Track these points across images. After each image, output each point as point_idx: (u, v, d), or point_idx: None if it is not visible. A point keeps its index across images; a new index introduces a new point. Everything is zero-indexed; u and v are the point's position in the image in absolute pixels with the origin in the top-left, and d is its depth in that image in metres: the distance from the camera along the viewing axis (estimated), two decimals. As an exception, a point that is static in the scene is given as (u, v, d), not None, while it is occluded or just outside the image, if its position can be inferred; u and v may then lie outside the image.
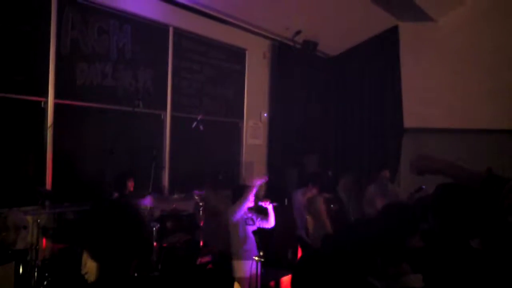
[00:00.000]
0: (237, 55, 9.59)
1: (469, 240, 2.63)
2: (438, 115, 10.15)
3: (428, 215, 2.80)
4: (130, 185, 6.58)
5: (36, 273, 5.45)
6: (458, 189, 2.62)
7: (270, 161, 10.32)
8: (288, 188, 9.17)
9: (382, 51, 10.87)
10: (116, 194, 6.35)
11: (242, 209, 6.05)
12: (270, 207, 6.45)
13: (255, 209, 6.41)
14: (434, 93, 10.21)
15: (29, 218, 5.73)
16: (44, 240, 5.91)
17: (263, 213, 6.49)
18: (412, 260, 2.54)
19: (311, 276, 2.21)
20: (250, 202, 6.17)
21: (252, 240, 6.34)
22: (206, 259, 6.89)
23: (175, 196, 7.94)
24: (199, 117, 7.79)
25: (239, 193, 6.37)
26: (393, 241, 2.53)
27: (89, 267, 4.70)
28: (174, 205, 7.53)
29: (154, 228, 6.20)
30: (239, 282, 6.18)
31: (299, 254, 8.17)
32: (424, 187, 7.29)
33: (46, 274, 5.54)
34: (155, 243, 6.22)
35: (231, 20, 8.78)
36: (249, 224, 6.34)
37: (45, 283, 5.45)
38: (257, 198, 6.48)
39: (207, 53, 8.84)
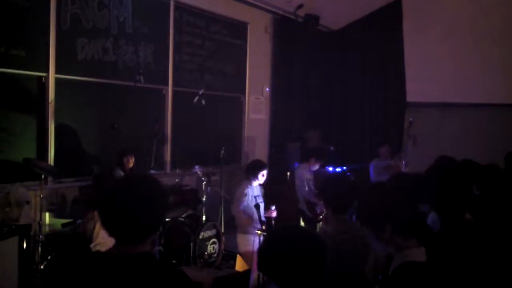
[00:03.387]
0: (239, 29, 9.51)
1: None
2: (440, 89, 10.10)
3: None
4: (132, 160, 6.59)
5: (39, 248, 5.49)
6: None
7: (272, 135, 10.32)
8: (290, 163, 9.17)
9: (385, 24, 10.78)
10: (118, 169, 6.36)
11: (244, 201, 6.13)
12: (274, 214, 6.48)
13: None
14: (436, 67, 10.15)
15: (32, 193, 5.75)
16: (47, 215, 5.96)
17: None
18: (419, 234, 2.54)
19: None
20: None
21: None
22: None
23: (177, 171, 7.96)
24: (200, 92, 7.76)
25: (249, 167, 6.42)
26: (407, 212, 2.51)
27: (101, 239, 4.75)
28: (176, 180, 7.55)
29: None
30: (243, 256, 6.23)
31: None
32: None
33: (50, 249, 5.58)
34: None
35: (232, -7, 8.71)
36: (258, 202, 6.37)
37: (48, 257, 5.49)
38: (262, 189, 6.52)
39: (208, 27, 8.77)
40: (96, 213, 4.90)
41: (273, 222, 6.50)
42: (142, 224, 2.16)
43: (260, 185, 6.44)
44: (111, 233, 2.17)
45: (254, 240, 6.16)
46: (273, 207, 6.39)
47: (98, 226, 4.81)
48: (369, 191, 2.67)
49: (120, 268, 2.11)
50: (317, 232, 3.42)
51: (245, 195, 6.24)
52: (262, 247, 2.30)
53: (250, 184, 6.29)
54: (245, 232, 6.24)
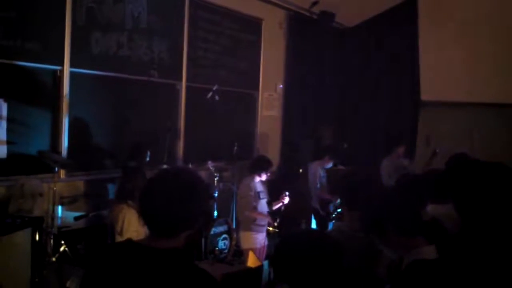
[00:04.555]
0: (253, 25, 9.50)
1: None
2: (457, 89, 10.01)
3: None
4: (147, 154, 6.59)
5: (52, 241, 5.53)
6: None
7: (285, 132, 10.30)
8: (303, 160, 9.15)
9: (400, 22, 10.70)
10: (133, 163, 6.35)
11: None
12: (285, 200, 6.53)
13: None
14: (452, 66, 10.06)
15: (45, 186, 5.79)
16: (60, 208, 5.99)
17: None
18: (427, 232, 2.52)
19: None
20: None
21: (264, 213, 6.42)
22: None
23: (190, 166, 7.97)
24: (214, 88, 7.76)
25: (256, 163, 6.44)
26: (406, 212, 2.51)
27: (134, 232, 4.73)
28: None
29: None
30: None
31: (312, 225, 8.21)
32: (438, 150, 7.28)
33: (62, 242, 5.61)
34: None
35: (247, -11, 8.69)
36: (262, 198, 6.40)
37: (60, 250, 5.53)
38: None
39: (222, 23, 8.76)
40: (125, 206, 4.91)
41: (282, 208, 6.55)
42: (179, 217, 2.14)
43: (261, 181, 6.46)
44: (147, 223, 2.17)
45: (258, 237, 6.18)
46: (287, 193, 6.44)
47: (127, 220, 4.81)
48: (369, 202, 2.67)
49: (148, 262, 2.10)
50: (332, 235, 3.40)
51: (252, 190, 6.27)
52: (277, 251, 2.28)
53: (254, 180, 6.32)
54: (249, 229, 6.25)
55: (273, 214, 6.83)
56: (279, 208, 6.83)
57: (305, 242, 2.22)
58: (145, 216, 2.18)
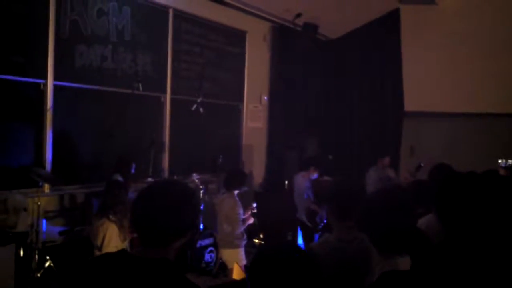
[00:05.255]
0: (237, 37, 9.53)
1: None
2: (438, 99, 10.13)
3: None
4: (132, 168, 6.56)
5: (36, 256, 5.47)
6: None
7: (270, 144, 10.31)
8: (288, 171, 9.16)
9: (383, 34, 10.80)
10: (117, 176, 6.31)
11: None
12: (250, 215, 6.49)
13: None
14: (435, 76, 10.18)
15: (29, 200, 5.73)
16: (44, 223, 5.93)
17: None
18: (403, 243, 2.54)
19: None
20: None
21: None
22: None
23: (175, 178, 7.93)
24: (199, 100, 7.76)
25: (233, 179, 6.34)
26: (387, 223, 2.52)
27: (114, 248, 4.69)
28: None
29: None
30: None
31: (299, 237, 8.20)
32: (422, 164, 7.35)
33: (47, 257, 5.55)
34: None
35: (231, 2, 8.72)
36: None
37: (45, 265, 5.46)
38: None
39: (207, 35, 8.78)
40: (106, 221, 4.87)
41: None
42: (170, 227, 2.16)
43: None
44: (138, 234, 2.19)
45: (243, 252, 6.10)
46: (254, 205, 6.40)
47: (109, 234, 4.77)
48: (368, 202, 2.68)
49: (140, 272, 2.10)
50: (318, 248, 3.39)
51: (239, 207, 6.19)
52: (252, 264, 2.27)
53: (235, 196, 6.20)
54: (237, 246, 6.12)
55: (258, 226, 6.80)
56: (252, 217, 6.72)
57: (281, 256, 2.21)
58: (137, 226, 2.19)
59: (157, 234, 2.16)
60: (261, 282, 2.18)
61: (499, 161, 6.59)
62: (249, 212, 6.46)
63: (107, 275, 2.12)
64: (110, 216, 4.90)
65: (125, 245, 4.98)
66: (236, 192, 6.25)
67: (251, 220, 6.43)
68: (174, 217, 2.16)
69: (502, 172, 6.51)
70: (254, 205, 6.61)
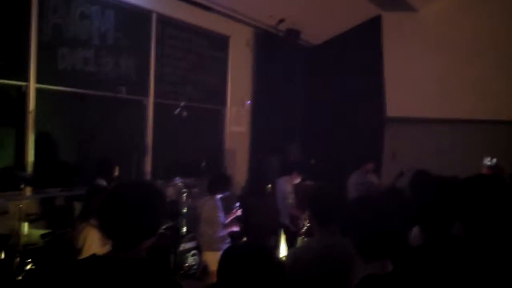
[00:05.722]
0: (221, 42, 9.55)
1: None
2: (420, 104, 10.23)
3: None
4: (115, 171, 6.53)
5: (18, 259, 5.41)
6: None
7: (252, 148, 10.33)
8: (270, 176, 9.18)
9: (365, 40, 10.88)
10: (100, 179, 6.27)
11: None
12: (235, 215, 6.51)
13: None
14: (416, 83, 10.28)
15: (11, 203, 5.68)
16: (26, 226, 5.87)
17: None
18: (386, 247, 2.57)
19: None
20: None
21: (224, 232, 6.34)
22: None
23: (158, 182, 7.91)
24: (182, 104, 7.76)
25: (217, 183, 6.37)
26: (372, 229, 2.55)
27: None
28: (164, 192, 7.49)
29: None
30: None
31: (282, 241, 8.22)
32: (404, 171, 7.40)
33: (29, 260, 5.49)
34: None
35: (214, 6, 8.73)
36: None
37: (27, 268, 5.41)
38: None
39: (190, 39, 8.79)
40: (87, 226, 4.81)
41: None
42: (139, 227, 2.18)
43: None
44: (108, 235, 2.20)
45: None
46: (238, 209, 6.42)
47: (89, 240, 4.72)
48: (355, 208, 2.71)
49: (114, 273, 2.12)
50: (300, 252, 3.40)
51: (220, 211, 6.22)
52: (219, 264, 2.29)
53: (217, 200, 6.25)
54: (215, 249, 6.10)
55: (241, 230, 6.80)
56: (237, 223, 6.73)
57: (244, 256, 2.22)
58: (105, 228, 2.21)
59: (127, 235, 2.17)
60: (225, 282, 2.19)
61: (485, 159, 6.67)
62: (232, 216, 6.47)
63: (81, 280, 2.13)
64: (91, 221, 4.85)
65: (106, 250, 4.93)
66: (218, 196, 6.28)
67: (236, 228, 6.45)
68: (143, 217, 2.18)
69: (485, 170, 6.58)
70: (239, 209, 6.62)
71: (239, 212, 6.54)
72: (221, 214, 6.24)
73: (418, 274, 2.39)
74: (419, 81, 10.26)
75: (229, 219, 6.43)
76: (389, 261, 2.46)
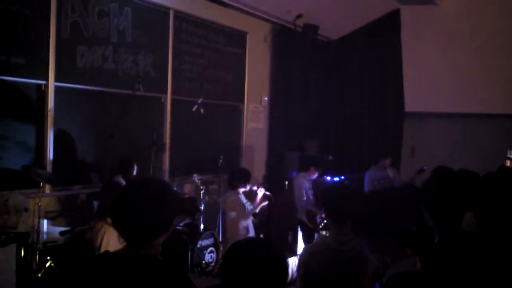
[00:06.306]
0: (238, 38, 9.55)
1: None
2: (439, 99, 10.13)
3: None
4: (134, 168, 6.57)
5: (37, 256, 5.49)
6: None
7: (270, 145, 10.33)
8: (288, 172, 9.18)
9: (384, 35, 10.81)
10: (119, 177, 6.31)
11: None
12: (260, 193, 6.50)
13: (245, 193, 6.49)
14: (435, 77, 10.18)
15: (30, 201, 5.75)
16: (45, 223, 5.95)
17: (250, 198, 6.56)
18: (413, 243, 2.55)
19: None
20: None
21: (251, 230, 6.41)
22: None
23: (176, 179, 7.96)
24: (199, 100, 7.78)
25: (237, 177, 6.44)
26: (403, 221, 2.52)
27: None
28: (174, 188, 7.55)
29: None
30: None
31: (299, 237, 8.22)
32: (425, 168, 7.34)
33: (48, 257, 5.57)
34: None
35: (232, 3, 8.73)
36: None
37: (46, 265, 5.48)
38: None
39: (207, 36, 8.80)
40: (104, 224, 4.85)
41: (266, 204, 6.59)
42: (152, 224, 2.20)
43: (244, 192, 6.48)
44: (121, 233, 2.22)
45: None
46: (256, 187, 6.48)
47: (106, 238, 4.75)
48: (366, 202, 2.67)
49: (126, 270, 2.14)
50: (316, 250, 3.40)
51: (241, 206, 6.28)
52: (223, 259, 2.29)
53: (239, 194, 6.33)
54: None
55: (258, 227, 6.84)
56: (264, 206, 6.77)
57: (249, 251, 2.22)
58: (118, 226, 2.23)
59: (140, 231, 2.19)
60: (229, 276, 2.20)
61: (508, 152, 6.58)
62: (260, 195, 6.50)
63: (95, 277, 2.16)
64: (108, 219, 4.89)
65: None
66: (241, 190, 6.34)
67: (266, 202, 6.55)
68: (154, 214, 2.19)
69: (509, 163, 6.51)
70: (261, 186, 6.68)
71: (262, 190, 6.59)
72: (246, 204, 6.31)
73: (448, 272, 2.39)
74: (438, 76, 10.15)
75: (258, 199, 6.49)
76: (417, 259, 2.45)
